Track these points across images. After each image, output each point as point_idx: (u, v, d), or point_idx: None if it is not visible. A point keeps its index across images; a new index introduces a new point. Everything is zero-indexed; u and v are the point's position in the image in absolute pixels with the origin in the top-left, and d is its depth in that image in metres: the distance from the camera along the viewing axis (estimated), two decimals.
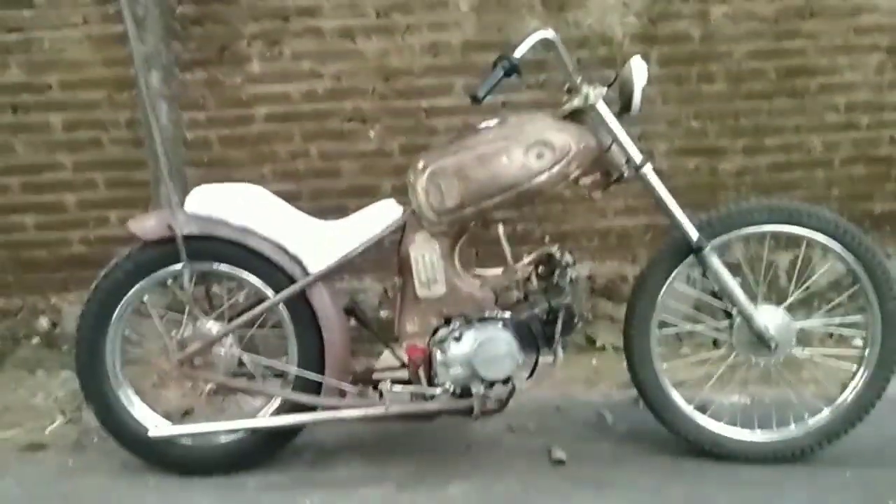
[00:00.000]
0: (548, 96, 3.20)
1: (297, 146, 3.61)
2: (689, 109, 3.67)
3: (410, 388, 2.56)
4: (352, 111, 3.59)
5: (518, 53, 2.41)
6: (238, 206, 2.52)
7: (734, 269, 2.69)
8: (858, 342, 2.83)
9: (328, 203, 3.59)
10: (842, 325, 2.93)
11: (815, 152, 3.74)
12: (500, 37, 3.51)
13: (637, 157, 2.51)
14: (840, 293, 3.34)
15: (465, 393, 2.55)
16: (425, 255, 2.52)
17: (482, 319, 2.54)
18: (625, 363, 2.75)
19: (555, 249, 2.59)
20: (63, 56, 3.47)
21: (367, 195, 3.47)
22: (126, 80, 3.48)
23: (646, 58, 3.06)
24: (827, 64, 3.65)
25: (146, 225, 2.52)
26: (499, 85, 2.40)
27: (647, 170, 2.52)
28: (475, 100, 2.37)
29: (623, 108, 2.51)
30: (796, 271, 3.16)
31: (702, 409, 2.77)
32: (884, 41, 3.64)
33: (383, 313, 3.64)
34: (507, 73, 2.40)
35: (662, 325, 2.73)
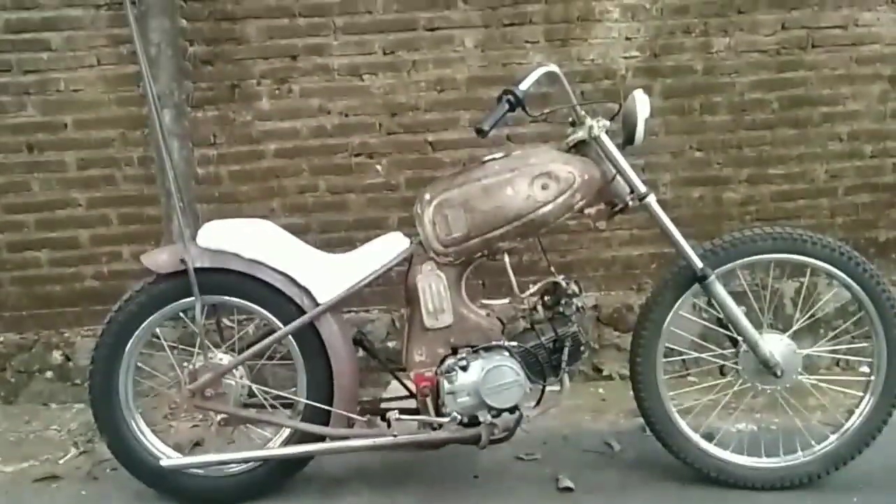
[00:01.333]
0: (552, 129, 3.21)
1: (305, 181, 3.64)
2: (692, 140, 3.70)
3: (418, 417, 2.58)
4: (359, 146, 3.63)
5: (522, 87, 2.45)
6: (248, 239, 2.56)
7: (739, 297, 2.70)
8: (865, 369, 2.83)
9: (336, 236, 3.65)
10: (847, 352, 2.92)
11: (819, 181, 3.77)
12: (504, 72, 3.56)
13: (640, 187, 2.53)
14: (846, 320, 3.34)
15: (473, 422, 2.56)
16: (432, 285, 2.55)
17: (489, 349, 2.57)
18: (631, 392, 2.76)
19: (560, 279, 2.60)
20: (78, 96, 3.52)
21: (374, 228, 3.54)
22: (139, 118, 3.53)
23: (649, 90, 3.24)
24: (829, 94, 3.69)
25: (159, 259, 2.56)
26: (504, 118, 2.44)
27: (651, 200, 2.55)
28: (480, 133, 2.40)
29: (626, 140, 2.54)
30: (801, 299, 3.17)
31: (709, 436, 2.77)
32: (886, 70, 3.68)
33: (391, 344, 3.66)
34: (512, 107, 2.43)
35: (668, 353, 2.74)
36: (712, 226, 3.71)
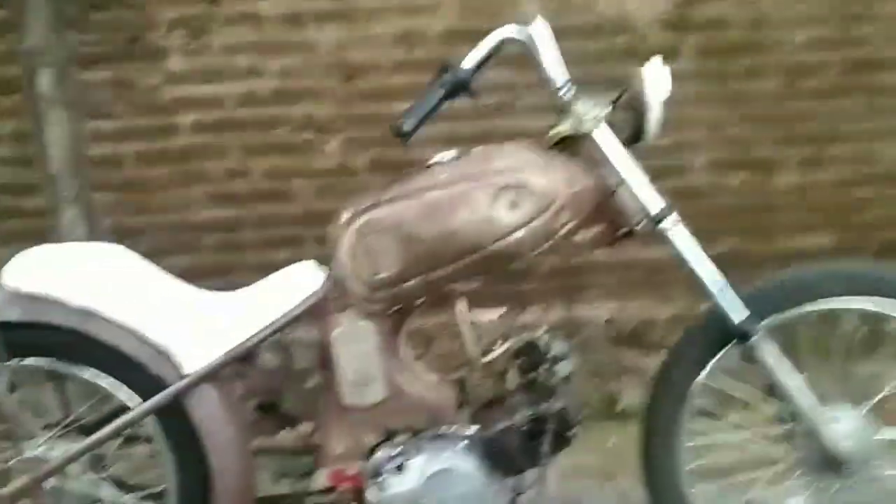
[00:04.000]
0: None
1: (235, 163, 3.18)
2: (733, 113, 3.25)
3: None
4: (304, 118, 3.17)
5: (468, 64, 1.85)
6: (80, 279, 1.91)
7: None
8: None
9: (278, 233, 3.20)
10: None
11: (890, 163, 3.30)
12: (489, 23, 2.95)
13: (654, 204, 1.90)
14: None
15: None
16: (354, 344, 1.91)
17: (437, 437, 1.94)
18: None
19: (539, 336, 1.98)
20: None
21: (327, 223, 3.00)
22: (11, 81, 3.02)
23: (678, 50, 3.00)
24: None
25: None
26: (438, 110, 1.84)
27: (670, 223, 1.92)
28: (401, 135, 1.81)
29: (634, 133, 1.94)
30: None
31: None
32: None
33: None
34: (451, 93, 1.83)
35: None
36: (755, 220, 3.29)
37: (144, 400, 1.88)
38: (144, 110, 3.12)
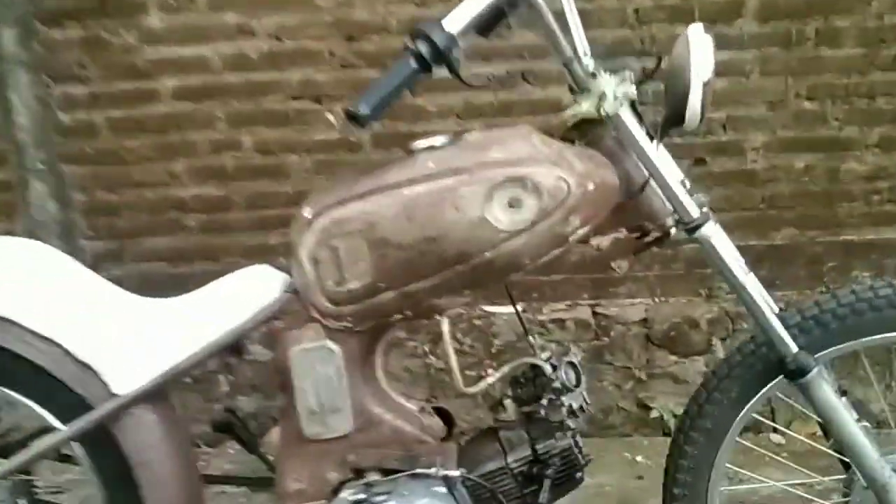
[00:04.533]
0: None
1: (222, 134, 2.95)
2: (800, 84, 2.95)
3: None
4: (300, 85, 2.93)
5: (452, 27, 1.46)
6: None
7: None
8: None
9: (270, 213, 2.97)
10: None
11: None
12: None
13: (690, 207, 1.59)
14: None
15: None
16: (317, 366, 1.62)
17: (414, 477, 1.66)
18: None
19: (542, 360, 1.66)
20: None
21: None
22: None
23: (739, 9, 2.75)
24: None
25: None
26: (404, 89, 1.46)
27: (709, 231, 1.59)
28: (355, 119, 1.43)
29: (671, 116, 1.60)
30: None
31: None
32: None
33: None
34: (424, 66, 1.44)
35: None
36: (821, 208, 2.99)
37: (66, 424, 1.63)
38: (120, 73, 2.90)
